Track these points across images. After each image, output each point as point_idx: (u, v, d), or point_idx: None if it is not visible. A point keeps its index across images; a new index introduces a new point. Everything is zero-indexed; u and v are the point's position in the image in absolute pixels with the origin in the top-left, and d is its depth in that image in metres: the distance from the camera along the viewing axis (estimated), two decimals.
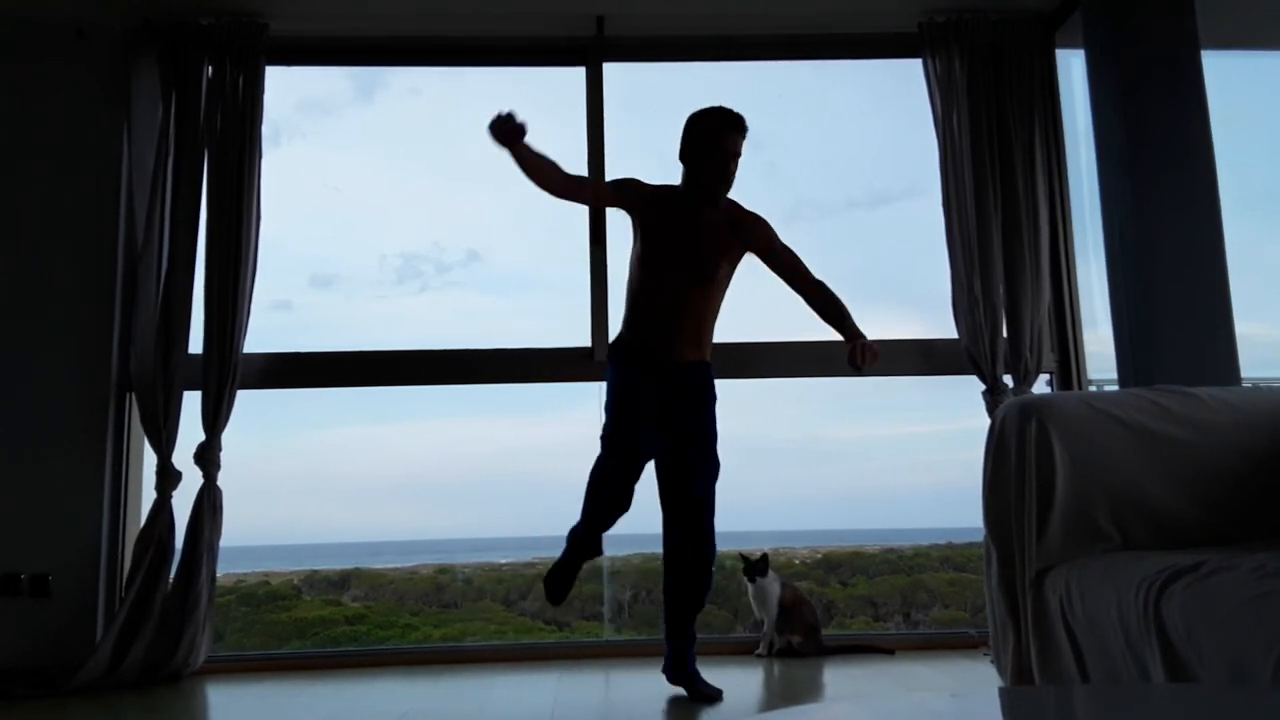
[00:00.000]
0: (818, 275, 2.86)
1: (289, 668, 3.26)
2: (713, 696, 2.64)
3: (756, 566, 3.22)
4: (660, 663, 2.85)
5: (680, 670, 2.72)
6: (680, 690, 2.70)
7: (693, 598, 2.75)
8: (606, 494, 2.76)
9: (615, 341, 2.86)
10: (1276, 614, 1.18)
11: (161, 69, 3.37)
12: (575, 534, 2.80)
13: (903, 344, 3.47)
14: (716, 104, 2.78)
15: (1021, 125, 3.43)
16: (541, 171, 2.75)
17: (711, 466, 2.77)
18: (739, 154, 2.75)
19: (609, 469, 2.76)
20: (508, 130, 2.69)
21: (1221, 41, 3.42)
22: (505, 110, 2.68)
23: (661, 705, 2.59)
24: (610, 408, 2.78)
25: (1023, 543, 1.88)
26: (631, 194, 2.83)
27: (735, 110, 2.76)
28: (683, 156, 2.80)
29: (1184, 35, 3.01)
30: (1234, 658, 1.22)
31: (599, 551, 2.82)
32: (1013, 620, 1.94)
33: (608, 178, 2.98)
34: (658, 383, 2.75)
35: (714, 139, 2.72)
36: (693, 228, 2.77)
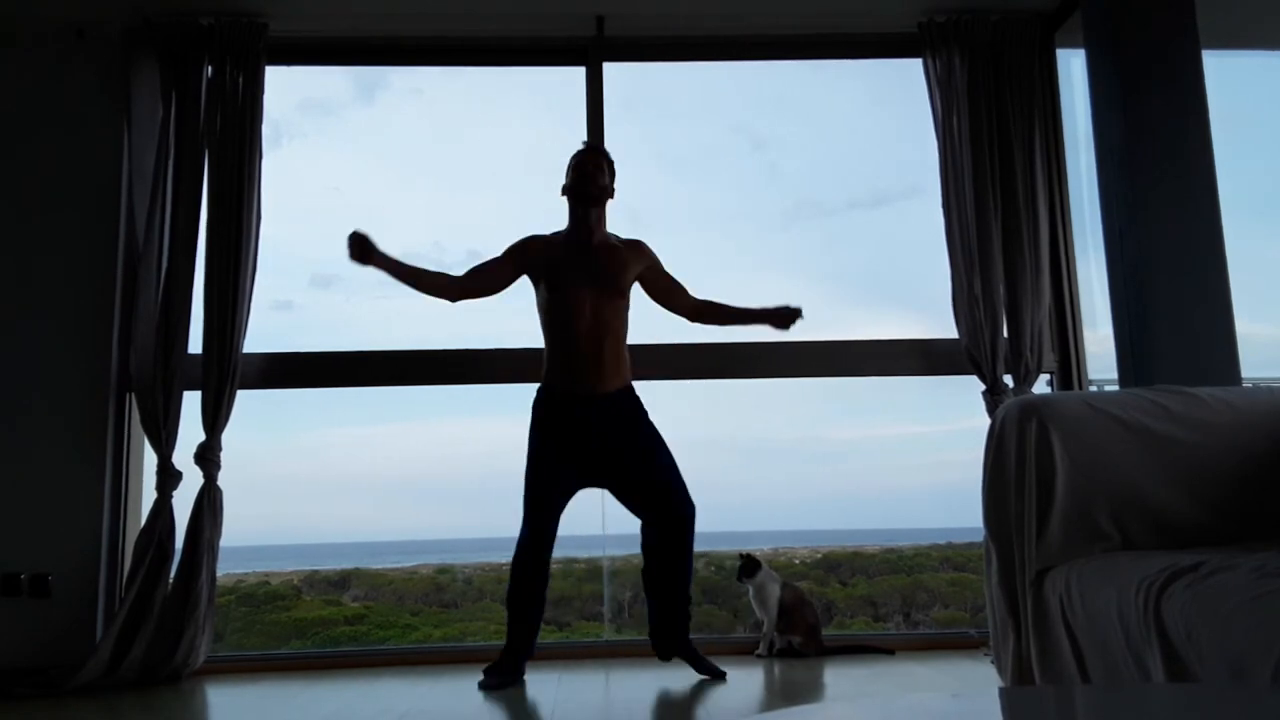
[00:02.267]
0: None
1: (289, 668, 3.26)
2: (716, 672, 2.80)
3: (743, 569, 3.25)
4: (660, 664, 2.85)
5: (680, 642, 2.86)
6: (675, 683, 2.70)
7: (682, 580, 2.87)
8: (536, 580, 2.86)
9: (538, 393, 2.95)
10: (1276, 614, 1.18)
11: (161, 69, 3.37)
12: (510, 634, 2.87)
13: (903, 344, 3.47)
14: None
15: (1021, 125, 3.43)
16: (433, 281, 2.85)
17: (676, 474, 2.89)
18: (600, 168, 2.98)
19: (532, 546, 2.85)
20: (361, 245, 2.76)
21: (1221, 41, 3.42)
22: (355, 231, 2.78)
23: (662, 705, 2.59)
24: (531, 461, 2.87)
25: (1023, 543, 1.88)
26: (529, 250, 2.95)
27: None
28: (564, 191, 2.98)
29: (1184, 34, 3.01)
30: (1234, 658, 1.22)
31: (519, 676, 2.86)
32: (1013, 620, 1.94)
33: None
34: (583, 421, 2.86)
35: (574, 161, 2.98)
36: (593, 250, 2.94)
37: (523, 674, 2.87)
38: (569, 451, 2.88)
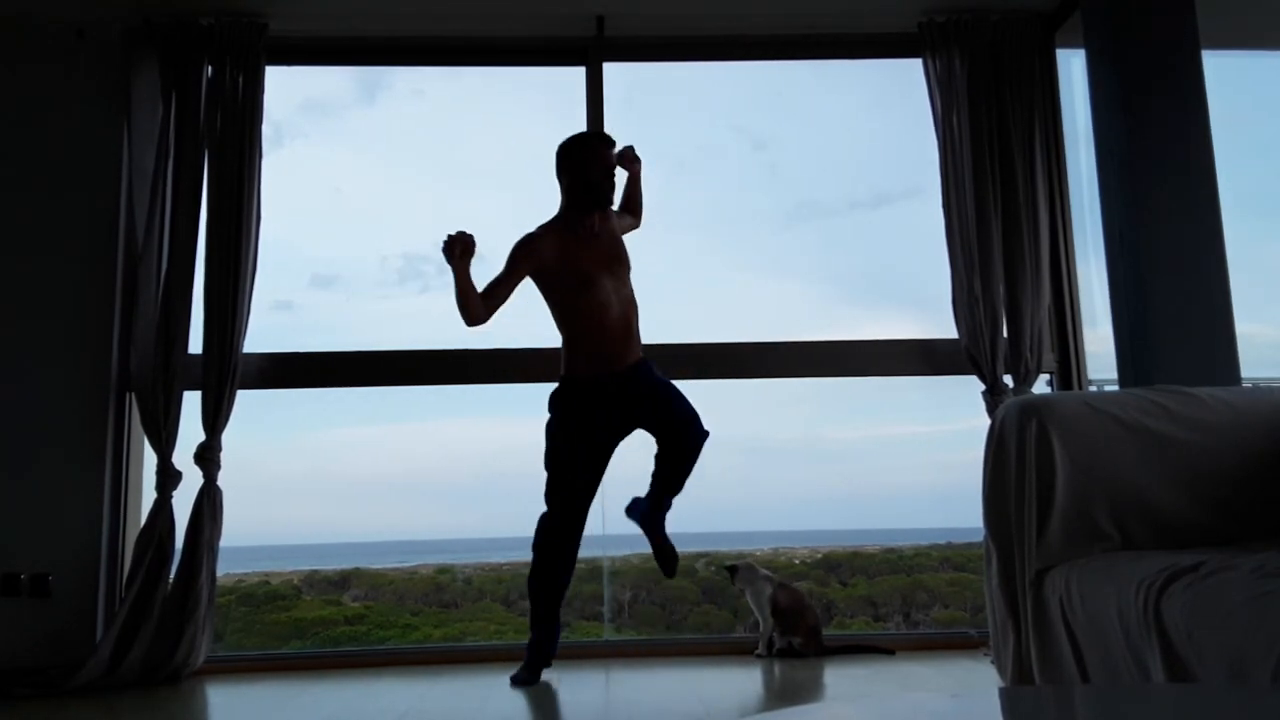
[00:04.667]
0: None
1: (289, 668, 3.26)
2: (671, 554, 2.97)
3: (730, 577, 3.32)
4: (660, 664, 2.85)
5: (655, 519, 2.98)
6: (675, 683, 2.70)
7: (684, 473, 2.97)
8: (562, 559, 2.93)
9: (561, 384, 2.98)
10: (1276, 614, 1.18)
11: (161, 69, 3.37)
12: (537, 622, 2.94)
13: (903, 344, 3.47)
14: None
15: (1021, 125, 3.43)
16: (470, 298, 2.84)
17: (686, 404, 2.94)
18: (614, 165, 3.02)
19: (562, 529, 2.92)
20: (463, 246, 2.79)
21: (1221, 41, 3.42)
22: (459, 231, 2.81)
23: (662, 705, 2.59)
24: (556, 450, 2.93)
25: (1023, 543, 1.88)
26: (540, 254, 2.93)
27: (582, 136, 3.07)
28: (569, 172, 2.98)
29: (1184, 35, 3.01)
30: (1234, 658, 1.22)
31: (552, 652, 2.95)
32: (1013, 620, 1.94)
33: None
34: (608, 405, 2.92)
35: (594, 151, 2.98)
36: (596, 234, 2.96)
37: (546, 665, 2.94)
38: (596, 431, 2.94)
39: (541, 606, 2.96)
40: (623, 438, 3.00)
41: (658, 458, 2.99)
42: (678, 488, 3.01)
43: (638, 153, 3.20)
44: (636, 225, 3.24)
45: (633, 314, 2.99)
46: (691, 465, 2.98)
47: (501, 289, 2.90)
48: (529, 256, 2.91)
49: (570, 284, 2.92)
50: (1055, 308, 3.46)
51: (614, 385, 2.94)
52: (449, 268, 2.79)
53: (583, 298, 2.92)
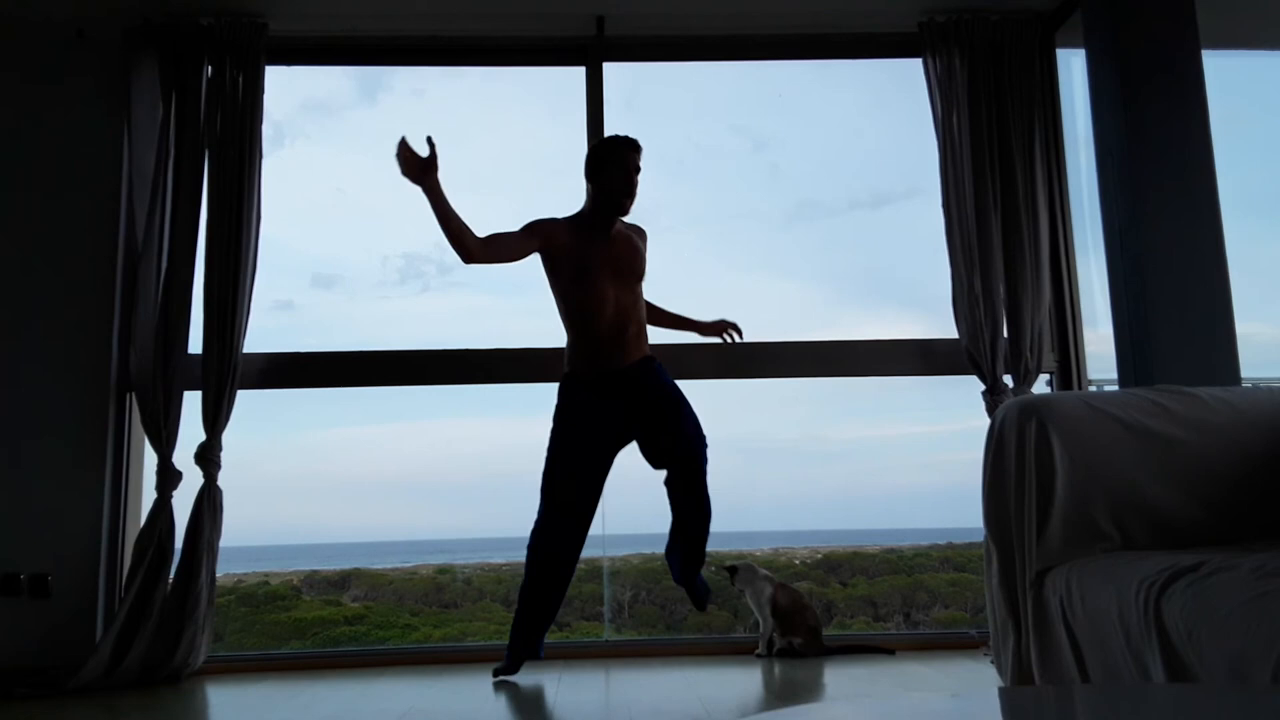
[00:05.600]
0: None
1: (289, 668, 3.26)
2: (703, 593, 3.02)
3: (730, 577, 3.32)
4: (660, 664, 2.84)
5: (690, 580, 3.01)
6: (675, 683, 2.70)
7: (701, 535, 2.98)
8: (551, 575, 2.94)
9: (563, 381, 3.00)
10: (1276, 614, 1.18)
11: (161, 69, 3.37)
12: (517, 624, 2.96)
13: (903, 344, 3.47)
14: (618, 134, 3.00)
15: (1021, 125, 3.43)
16: (463, 231, 2.71)
17: (692, 415, 2.95)
18: (640, 169, 2.97)
19: (554, 534, 2.92)
20: (416, 161, 2.65)
21: (1221, 41, 3.42)
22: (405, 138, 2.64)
23: (662, 705, 2.59)
24: (554, 444, 2.94)
25: (1023, 543, 1.88)
26: (552, 237, 2.93)
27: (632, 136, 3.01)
28: (593, 177, 2.97)
29: (1184, 35, 3.01)
30: (1234, 658, 1.22)
31: (537, 654, 2.99)
32: (1013, 620, 1.94)
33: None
34: (612, 400, 2.93)
35: (621, 157, 2.94)
36: (610, 240, 2.96)
37: (533, 654, 2.97)
38: (597, 430, 2.94)
39: (522, 628, 2.94)
40: (624, 442, 2.98)
41: (669, 489, 2.98)
42: (702, 543, 3.00)
43: (732, 331, 3.24)
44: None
45: (631, 323, 2.96)
46: (703, 499, 2.96)
47: (506, 241, 2.83)
48: (540, 232, 2.91)
49: (571, 274, 2.93)
50: (1055, 308, 3.46)
51: (616, 380, 2.94)
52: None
53: (580, 291, 2.92)
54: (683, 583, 3.04)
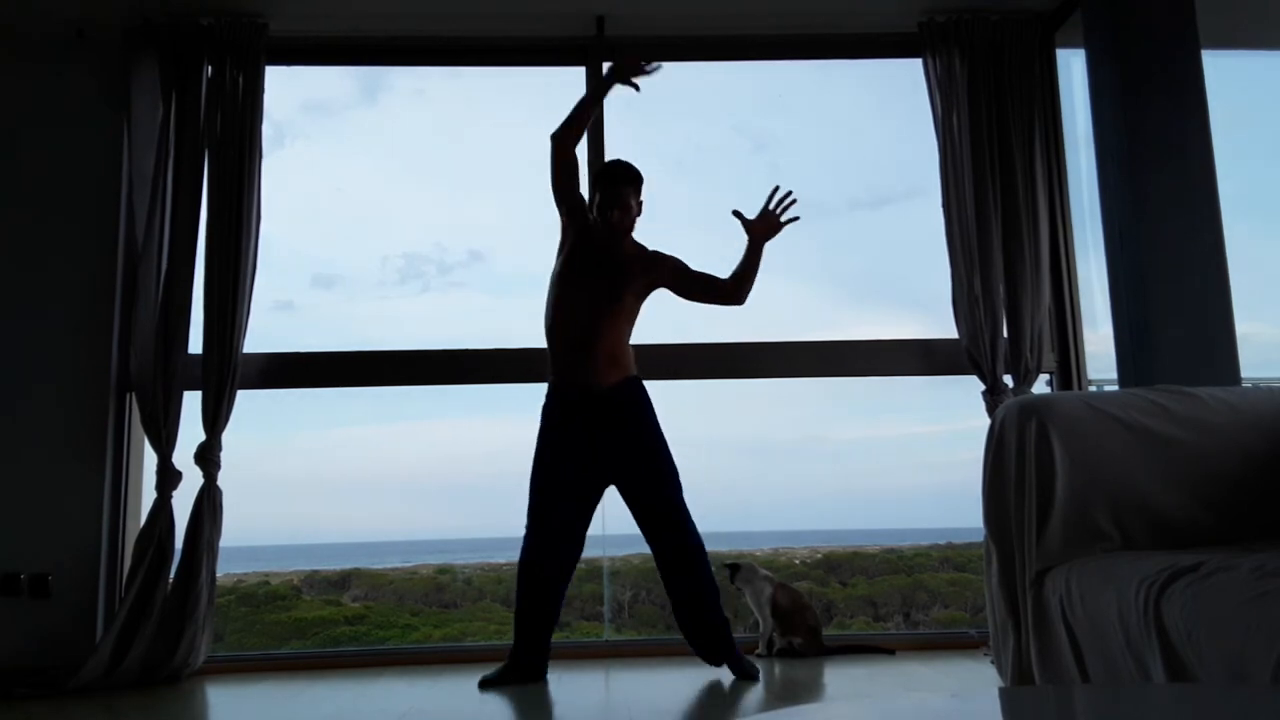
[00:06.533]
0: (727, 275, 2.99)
1: (289, 668, 3.26)
2: (750, 673, 2.79)
3: (730, 576, 3.29)
4: (660, 664, 2.84)
5: (729, 655, 2.84)
6: (675, 683, 2.69)
7: (704, 591, 2.83)
8: (537, 591, 2.84)
9: (547, 389, 2.94)
10: (1276, 614, 1.18)
11: (161, 69, 3.37)
12: (516, 635, 2.86)
13: (903, 344, 3.47)
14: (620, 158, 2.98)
15: (1021, 125, 3.43)
16: (576, 129, 2.88)
17: (671, 472, 2.85)
18: (628, 206, 2.90)
19: (535, 550, 2.84)
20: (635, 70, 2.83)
21: (1221, 41, 3.42)
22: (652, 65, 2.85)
23: (662, 705, 2.59)
24: (535, 461, 2.87)
25: (1023, 543, 1.88)
26: (580, 205, 2.93)
27: (630, 164, 2.96)
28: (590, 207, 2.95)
29: (1184, 35, 3.01)
30: (1234, 658, 1.22)
31: (541, 675, 2.86)
32: (1013, 620, 1.94)
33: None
34: (585, 416, 2.84)
35: (606, 187, 2.90)
36: (611, 256, 2.90)
37: (532, 675, 2.83)
38: (572, 446, 2.85)
39: (521, 636, 2.86)
40: (602, 477, 2.85)
41: (667, 587, 2.87)
42: (713, 612, 2.84)
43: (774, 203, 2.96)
44: (719, 300, 2.99)
45: (600, 343, 2.84)
46: (703, 578, 2.82)
47: (567, 166, 2.92)
48: (576, 202, 2.92)
49: (559, 267, 2.92)
50: (1055, 308, 3.46)
51: (583, 398, 2.84)
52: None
53: (557, 286, 2.90)
54: (719, 664, 2.86)
